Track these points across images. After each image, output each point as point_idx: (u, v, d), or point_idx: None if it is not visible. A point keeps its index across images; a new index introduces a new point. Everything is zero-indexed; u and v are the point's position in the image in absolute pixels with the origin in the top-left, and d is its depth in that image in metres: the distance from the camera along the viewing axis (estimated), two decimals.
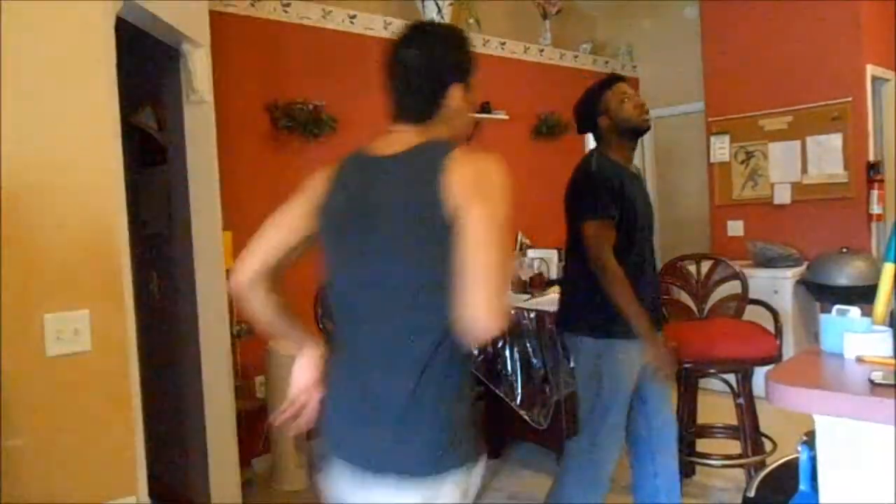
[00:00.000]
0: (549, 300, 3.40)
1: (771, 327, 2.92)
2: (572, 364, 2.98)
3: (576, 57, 5.76)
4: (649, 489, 2.50)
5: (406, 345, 1.28)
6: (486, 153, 1.30)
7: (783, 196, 4.93)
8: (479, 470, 1.33)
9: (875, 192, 4.61)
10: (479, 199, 1.22)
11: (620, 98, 2.35)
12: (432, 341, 1.26)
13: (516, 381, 3.29)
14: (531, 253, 4.23)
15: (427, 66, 1.36)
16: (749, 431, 2.91)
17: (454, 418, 1.29)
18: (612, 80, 2.41)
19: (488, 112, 4.83)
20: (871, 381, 1.23)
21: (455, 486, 1.27)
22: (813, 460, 1.33)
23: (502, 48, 5.16)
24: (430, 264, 1.25)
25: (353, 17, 4.20)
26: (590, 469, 2.35)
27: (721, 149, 5.21)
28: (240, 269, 1.39)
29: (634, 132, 2.39)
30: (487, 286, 1.17)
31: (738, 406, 2.90)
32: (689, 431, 3.11)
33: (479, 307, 1.16)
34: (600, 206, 2.24)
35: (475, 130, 1.66)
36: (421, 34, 1.41)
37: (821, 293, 4.39)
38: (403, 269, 1.28)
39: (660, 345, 2.29)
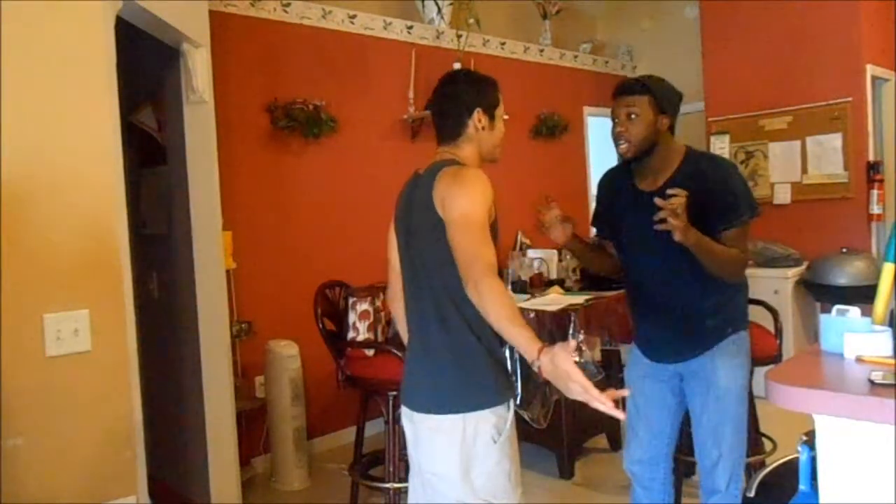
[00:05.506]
0: (549, 300, 3.40)
1: (771, 327, 2.92)
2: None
3: (576, 57, 5.76)
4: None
5: (433, 312, 1.70)
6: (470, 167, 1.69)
7: (783, 196, 4.93)
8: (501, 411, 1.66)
9: (875, 192, 4.61)
10: (454, 194, 1.60)
11: (613, 115, 2.07)
12: (452, 309, 1.66)
13: (516, 381, 3.28)
14: (531, 253, 4.21)
15: (452, 98, 1.77)
16: (749, 431, 2.90)
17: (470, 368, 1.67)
18: (615, 91, 2.09)
19: None
20: (871, 381, 1.23)
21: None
22: (813, 460, 1.33)
23: (502, 48, 5.16)
24: (439, 249, 1.63)
25: (353, 17, 4.20)
26: None
27: (721, 149, 5.20)
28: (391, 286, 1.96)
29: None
30: (473, 263, 1.50)
31: None
32: (690, 431, 3.09)
33: (469, 282, 1.49)
34: None
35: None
36: (451, 76, 1.86)
37: (821, 293, 4.39)
38: (426, 254, 1.72)
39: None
